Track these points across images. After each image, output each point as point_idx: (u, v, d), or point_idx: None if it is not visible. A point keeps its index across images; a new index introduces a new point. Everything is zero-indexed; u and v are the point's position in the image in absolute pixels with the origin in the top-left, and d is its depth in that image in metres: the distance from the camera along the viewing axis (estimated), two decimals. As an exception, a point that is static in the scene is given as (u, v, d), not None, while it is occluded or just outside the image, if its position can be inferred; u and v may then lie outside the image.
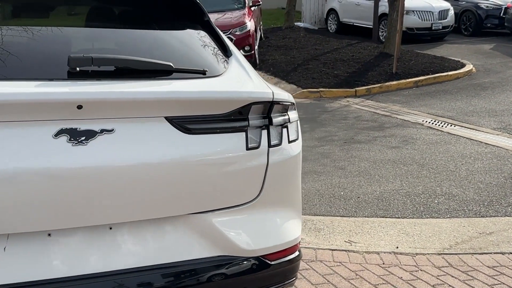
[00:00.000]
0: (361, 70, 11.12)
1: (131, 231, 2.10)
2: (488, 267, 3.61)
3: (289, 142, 2.36)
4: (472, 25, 15.70)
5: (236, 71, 2.41)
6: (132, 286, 2.06)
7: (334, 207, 4.75)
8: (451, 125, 7.56)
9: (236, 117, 2.17)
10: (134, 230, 2.10)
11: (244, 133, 2.19)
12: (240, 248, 2.24)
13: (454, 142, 6.76)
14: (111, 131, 1.96)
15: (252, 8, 12.77)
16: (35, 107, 1.86)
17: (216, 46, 2.53)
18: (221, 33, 2.67)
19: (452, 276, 3.48)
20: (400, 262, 3.69)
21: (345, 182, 5.39)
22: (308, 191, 5.13)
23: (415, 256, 3.78)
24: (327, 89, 10.14)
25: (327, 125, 7.83)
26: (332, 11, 17.22)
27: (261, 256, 2.30)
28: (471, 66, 11.43)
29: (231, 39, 11.15)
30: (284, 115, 2.34)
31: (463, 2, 15.99)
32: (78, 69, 1.99)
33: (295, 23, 17.19)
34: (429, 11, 14.64)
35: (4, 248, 1.94)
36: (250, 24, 11.68)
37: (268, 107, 2.24)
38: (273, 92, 2.25)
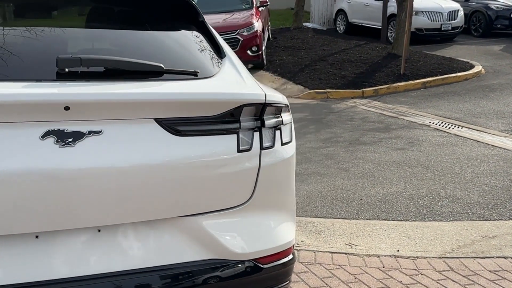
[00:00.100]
0: (369, 71, 11.06)
1: (120, 234, 2.08)
2: (489, 271, 3.56)
3: (282, 144, 2.33)
4: (482, 26, 15.57)
5: (228, 72, 2.38)
6: None
7: (336, 209, 4.71)
8: (458, 127, 7.49)
9: (227, 119, 2.15)
10: (123, 232, 2.09)
11: (235, 135, 2.17)
12: (231, 251, 2.22)
13: (460, 144, 6.69)
14: (99, 132, 1.95)
15: (260, 9, 12.75)
16: (21, 108, 1.85)
17: (209, 47, 2.51)
18: (216, 34, 2.65)
19: (453, 281, 3.44)
20: (400, 266, 3.65)
21: (348, 184, 5.35)
22: (310, 193, 5.10)
23: (415, 260, 3.74)
24: (334, 90, 10.09)
25: (333, 126, 7.79)
26: (341, 11, 17.16)
27: (253, 259, 2.27)
28: (480, 67, 11.33)
29: (238, 40, 11.18)
30: (278, 117, 2.31)
31: (473, 3, 15.87)
32: (67, 70, 1.98)
33: (304, 24, 17.16)
34: (439, 12, 14.54)
35: None
36: (258, 25, 11.67)
37: (261, 109, 2.22)
38: (265, 94, 2.22)
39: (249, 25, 11.52)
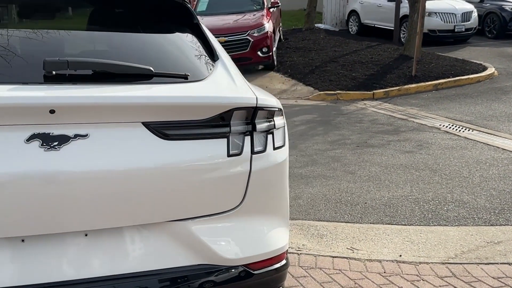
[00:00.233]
0: (380, 72, 10.97)
1: (107, 239, 2.07)
2: (492, 277, 3.50)
3: (275, 148, 2.31)
4: (496, 27, 15.38)
5: (220, 75, 2.36)
6: None
7: (340, 213, 4.67)
8: (468, 130, 7.40)
9: (217, 123, 2.12)
10: (110, 237, 2.07)
11: (225, 139, 2.15)
12: (221, 257, 2.19)
13: (470, 147, 6.60)
14: (85, 136, 1.94)
15: (271, 10, 12.72)
16: (5, 111, 1.84)
17: (202, 50, 2.49)
18: (210, 36, 2.63)
19: (454, 287, 3.38)
20: (402, 271, 3.60)
21: (354, 187, 5.30)
22: (314, 196, 5.06)
23: (418, 265, 3.69)
24: (344, 92, 10.02)
25: (341, 128, 7.73)
26: (353, 12, 17.06)
27: (243, 265, 2.25)
28: (493, 69, 11.19)
29: (248, 41, 11.16)
30: (270, 121, 2.28)
31: (487, 4, 15.69)
32: (54, 72, 1.97)
33: (316, 25, 17.10)
34: (452, 13, 14.40)
35: None
36: (268, 26, 11.63)
37: (252, 113, 2.19)
38: (257, 98, 2.20)
39: (260, 26, 11.49)
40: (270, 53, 11.51)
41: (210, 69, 2.38)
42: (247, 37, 11.27)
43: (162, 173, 2.04)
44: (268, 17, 12.02)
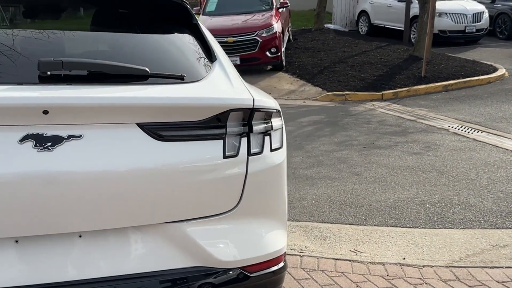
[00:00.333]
0: (389, 73, 10.91)
1: (101, 240, 2.06)
2: (497, 281, 3.45)
3: (272, 150, 2.28)
4: (507, 28, 15.24)
5: (217, 76, 2.34)
6: None
7: (344, 215, 4.63)
8: (477, 131, 7.32)
9: (213, 124, 2.11)
10: (104, 239, 2.06)
11: (221, 141, 2.13)
12: (217, 259, 2.17)
13: (479, 149, 6.53)
14: (79, 137, 1.93)
15: (280, 10, 12.69)
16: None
17: (200, 51, 2.47)
18: (209, 37, 2.61)
19: (458, 291, 3.34)
20: (405, 274, 3.56)
21: (359, 189, 5.26)
22: (319, 197, 5.02)
23: (421, 268, 3.65)
24: (353, 93, 9.97)
25: (349, 129, 7.69)
26: (363, 13, 16.99)
27: (240, 267, 2.23)
28: (504, 70, 11.08)
29: (257, 41, 11.14)
30: (267, 123, 2.26)
31: (499, 5, 15.55)
32: (48, 73, 1.96)
33: (326, 25, 17.05)
34: (463, 14, 14.28)
35: None
36: (277, 26, 11.61)
37: (249, 114, 2.17)
38: (253, 99, 2.18)
39: (268, 26, 11.47)
40: (279, 54, 11.48)
41: (207, 70, 2.37)
42: (256, 37, 11.25)
43: (157, 174, 2.03)
44: (277, 17, 12.00)
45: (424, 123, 7.96)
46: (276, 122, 2.33)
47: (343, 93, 9.96)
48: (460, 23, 14.30)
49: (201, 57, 2.44)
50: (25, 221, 1.92)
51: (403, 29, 14.71)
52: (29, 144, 1.87)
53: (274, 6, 12.45)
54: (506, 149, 6.48)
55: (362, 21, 17.15)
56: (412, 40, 14.02)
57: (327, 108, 9.24)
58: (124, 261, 2.07)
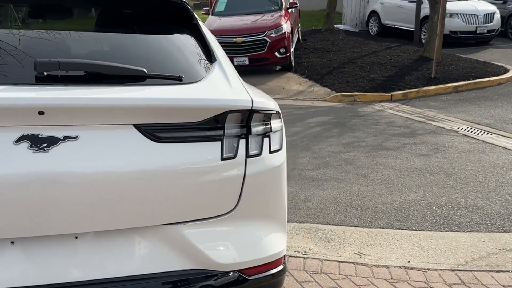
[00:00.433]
0: (399, 74, 10.84)
1: (97, 242, 2.05)
2: (503, 286, 3.40)
3: (271, 152, 2.26)
4: (519, 29, 15.11)
5: (216, 77, 2.32)
6: None
7: (349, 217, 4.59)
8: (487, 133, 7.25)
9: (210, 126, 2.09)
10: (101, 240, 2.05)
11: (219, 143, 2.11)
12: (215, 262, 2.16)
13: (488, 151, 6.47)
14: (75, 138, 1.92)
15: (289, 10, 12.66)
16: None
17: (199, 52, 2.46)
18: (209, 37, 2.59)
19: (463, 295, 3.30)
20: (409, 278, 3.53)
21: (365, 191, 5.22)
22: (324, 199, 4.99)
23: (426, 272, 3.61)
24: (362, 93, 9.92)
25: (357, 130, 7.64)
26: (373, 13, 16.90)
27: (238, 270, 2.21)
28: (515, 71, 10.99)
29: (266, 41, 11.11)
30: (266, 124, 2.24)
31: (510, 6, 15.41)
32: (45, 73, 1.96)
33: (335, 25, 16.99)
34: (474, 14, 14.17)
35: None
36: (286, 26, 11.58)
37: (247, 116, 2.15)
38: (252, 100, 2.16)
39: (277, 26, 11.44)
40: (288, 54, 11.46)
41: (206, 71, 2.35)
42: (265, 37, 11.23)
43: (154, 176, 2.01)
44: (286, 18, 11.97)
45: (433, 124, 7.90)
46: (276, 123, 2.30)
47: (352, 93, 9.91)
48: (471, 23, 14.19)
49: (200, 58, 2.43)
50: (20, 222, 1.91)
51: (413, 29, 14.62)
52: (25, 145, 1.87)
53: (283, 7, 12.42)
54: (515, 151, 6.41)
55: (372, 22, 17.07)
56: (423, 41, 13.93)
57: (335, 109, 9.19)
58: (121, 263, 2.05)
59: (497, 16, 14.47)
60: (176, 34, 2.52)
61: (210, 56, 2.46)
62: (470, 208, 4.72)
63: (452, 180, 5.48)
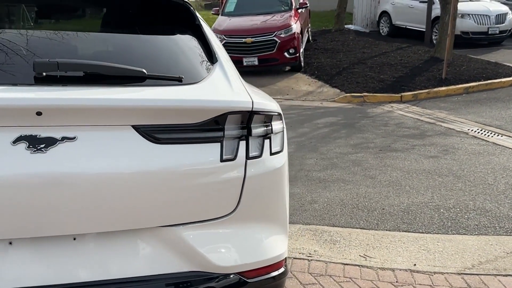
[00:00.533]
0: (409, 74, 10.77)
1: (95, 243, 2.04)
2: (510, 291, 3.36)
3: (271, 154, 2.24)
4: (533, 29, 14.94)
5: (217, 78, 2.30)
6: None
7: (355, 219, 4.56)
8: (498, 135, 7.17)
9: (210, 127, 2.07)
10: (100, 241, 2.04)
11: (219, 144, 2.09)
12: (214, 264, 2.14)
13: (498, 153, 6.40)
14: (73, 138, 1.91)
15: (299, 10, 12.62)
16: None
17: (201, 52, 2.44)
18: (212, 38, 2.57)
19: (468, 299, 3.26)
20: (415, 281, 3.49)
21: (372, 192, 5.18)
22: (331, 200, 4.96)
23: (432, 275, 3.57)
24: (371, 94, 9.86)
25: (365, 131, 7.59)
26: (384, 13, 16.80)
27: (237, 272, 2.19)
28: (527, 72, 10.87)
29: (275, 42, 11.09)
30: (267, 126, 2.22)
31: (523, 6, 15.25)
32: (44, 74, 1.95)
33: (346, 26, 16.91)
34: (486, 15, 14.03)
35: None
36: (296, 27, 11.54)
37: (248, 117, 2.13)
38: (252, 102, 2.13)
39: (287, 27, 11.41)
40: (297, 54, 11.42)
41: (207, 72, 2.33)
42: (274, 38, 11.21)
43: (152, 177, 2.00)
44: (295, 18, 11.94)
45: (443, 126, 7.83)
46: (277, 125, 2.28)
47: (361, 94, 9.85)
48: (483, 24, 14.06)
49: (201, 59, 2.41)
50: (18, 223, 1.90)
51: (424, 30, 14.52)
52: (22, 145, 1.86)
53: (293, 7, 12.39)
54: (526, 153, 6.34)
55: (383, 22, 16.98)
56: (434, 41, 13.83)
57: (344, 110, 9.15)
58: (119, 265, 2.04)
59: (510, 16, 14.32)
60: (177, 35, 2.51)
61: (211, 57, 2.44)
62: (478, 211, 4.66)
63: (461, 182, 5.42)
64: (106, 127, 1.95)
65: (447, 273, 3.60)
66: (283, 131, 2.36)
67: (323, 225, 4.41)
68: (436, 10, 13.72)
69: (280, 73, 11.82)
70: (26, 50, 2.18)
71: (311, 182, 5.49)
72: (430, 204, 4.86)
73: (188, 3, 2.55)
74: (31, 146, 1.87)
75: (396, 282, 3.47)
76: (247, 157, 2.15)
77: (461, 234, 4.23)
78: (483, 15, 14.06)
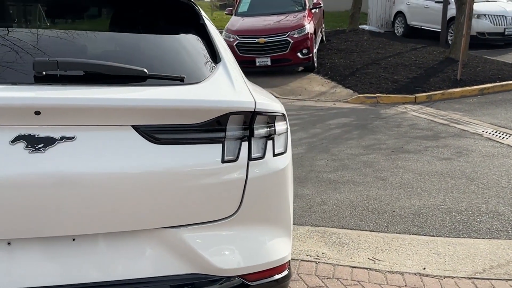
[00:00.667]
0: (423, 75, 10.66)
1: (95, 244, 2.02)
2: (521, 296, 3.29)
3: (274, 155, 2.20)
4: (550, 30, 14.71)
5: (219, 78, 2.27)
6: None
7: (365, 221, 4.50)
8: (512, 137, 7.07)
9: (212, 128, 2.04)
10: (98, 243, 2.02)
11: (220, 145, 2.06)
12: (215, 266, 2.11)
13: (512, 155, 6.30)
14: (71, 138, 1.89)
15: (313, 11, 12.56)
16: None
17: (204, 52, 2.41)
18: (216, 37, 2.54)
19: (478, 305, 3.20)
20: (424, 285, 3.43)
21: (383, 194, 5.12)
22: (341, 202, 4.91)
23: (442, 279, 3.50)
24: (385, 95, 9.77)
25: (378, 133, 7.52)
26: (399, 13, 16.68)
27: (239, 275, 2.16)
28: (544, 74, 10.70)
29: (288, 42, 11.04)
30: (270, 127, 2.18)
31: (541, 6, 15.02)
32: (44, 73, 1.94)
33: (360, 26, 16.81)
34: (502, 16, 13.85)
35: None
36: (309, 27, 11.49)
37: (250, 118, 2.10)
38: (255, 102, 2.10)
39: (300, 27, 11.36)
40: (310, 55, 11.37)
41: (210, 72, 2.30)
42: (287, 38, 11.17)
43: (152, 178, 1.98)
44: (309, 18, 11.88)
45: (457, 127, 7.73)
46: (280, 126, 2.25)
47: (375, 95, 9.78)
48: (499, 25, 13.88)
49: (204, 58, 2.38)
50: (17, 223, 1.89)
51: (440, 30, 14.38)
52: (21, 145, 1.85)
53: (306, 7, 12.34)
54: (541, 156, 6.23)
55: (398, 22, 16.85)
56: (449, 42, 13.68)
57: (357, 111, 9.08)
58: (118, 267, 2.02)
59: (527, 17, 14.13)
60: (180, 34, 2.49)
61: (214, 57, 2.41)
62: (490, 214, 4.58)
63: (473, 185, 5.34)
64: (105, 127, 1.93)
65: (457, 277, 3.54)
66: (286, 132, 2.33)
67: (332, 227, 4.36)
68: (452, 11, 13.56)
69: (293, 73, 11.77)
70: (26, 49, 2.17)
71: (321, 183, 5.45)
72: (442, 206, 4.79)
73: (193, 2, 2.52)
74: (29, 146, 1.85)
75: (405, 286, 3.42)
76: (249, 158, 2.12)
77: (473, 238, 4.16)
78: (500, 15, 13.88)
